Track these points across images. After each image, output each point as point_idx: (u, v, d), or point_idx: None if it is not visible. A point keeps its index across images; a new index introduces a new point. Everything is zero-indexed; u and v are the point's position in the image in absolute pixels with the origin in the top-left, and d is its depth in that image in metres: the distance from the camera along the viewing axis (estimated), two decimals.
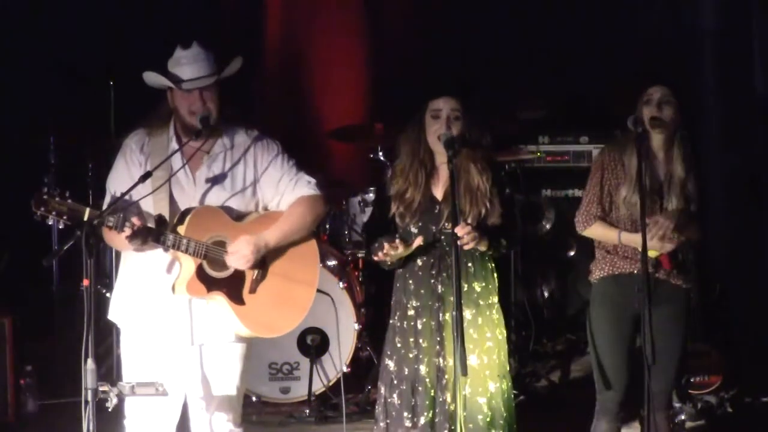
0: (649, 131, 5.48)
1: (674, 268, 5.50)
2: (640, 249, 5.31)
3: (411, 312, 5.38)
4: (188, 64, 5.07)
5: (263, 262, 5.12)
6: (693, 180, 5.50)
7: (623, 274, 5.54)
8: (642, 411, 5.56)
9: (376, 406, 5.45)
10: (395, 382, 5.37)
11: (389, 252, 5.21)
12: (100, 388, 4.57)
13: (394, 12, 9.59)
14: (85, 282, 4.62)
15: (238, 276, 5.09)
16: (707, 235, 5.56)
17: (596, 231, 5.58)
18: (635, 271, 5.49)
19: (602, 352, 5.57)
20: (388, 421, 5.38)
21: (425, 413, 5.30)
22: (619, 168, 5.54)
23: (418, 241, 5.27)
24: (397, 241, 5.21)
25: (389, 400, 5.38)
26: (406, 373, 5.34)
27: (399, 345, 5.39)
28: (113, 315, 5.23)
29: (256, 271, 5.12)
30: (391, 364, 5.40)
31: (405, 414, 5.32)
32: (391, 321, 5.47)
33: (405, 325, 5.39)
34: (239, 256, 5.05)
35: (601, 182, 5.57)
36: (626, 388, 5.55)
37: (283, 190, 5.19)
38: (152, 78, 5.11)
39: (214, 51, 5.13)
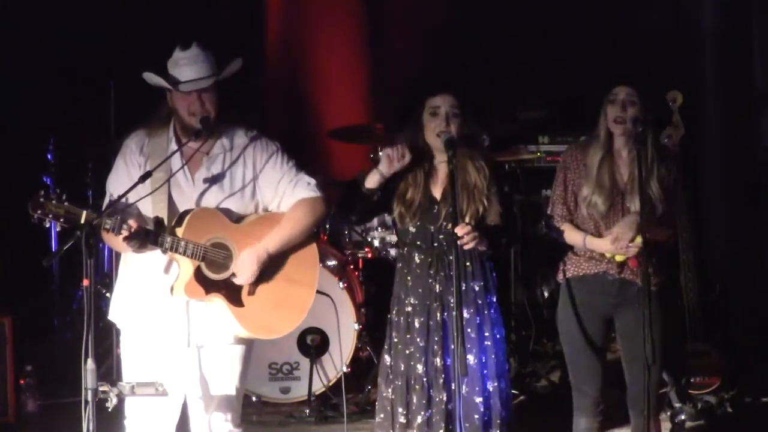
0: (613, 132, 5.46)
1: (642, 268, 5.43)
2: (606, 254, 5.38)
3: (408, 308, 5.39)
4: (187, 65, 5.05)
5: None
6: (656, 181, 5.42)
7: (588, 275, 5.53)
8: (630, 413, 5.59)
9: (377, 402, 5.47)
10: (391, 376, 5.38)
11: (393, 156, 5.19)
12: (100, 388, 4.57)
13: (394, 12, 9.59)
14: (85, 282, 4.61)
15: None
16: (674, 234, 5.53)
17: (565, 233, 5.56)
18: (600, 272, 5.49)
19: (571, 351, 5.59)
20: (381, 415, 5.40)
21: (422, 412, 5.30)
22: (581, 168, 5.51)
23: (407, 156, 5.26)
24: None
25: (384, 394, 5.40)
26: (402, 368, 5.35)
27: (396, 340, 5.41)
28: (113, 315, 5.23)
29: None
30: (388, 358, 5.42)
31: (399, 410, 5.33)
32: (389, 316, 5.48)
33: (402, 321, 5.40)
34: (248, 275, 5.04)
35: (564, 182, 5.55)
36: (599, 385, 5.54)
37: (283, 192, 5.17)
38: (152, 78, 5.11)
39: (214, 52, 5.11)
